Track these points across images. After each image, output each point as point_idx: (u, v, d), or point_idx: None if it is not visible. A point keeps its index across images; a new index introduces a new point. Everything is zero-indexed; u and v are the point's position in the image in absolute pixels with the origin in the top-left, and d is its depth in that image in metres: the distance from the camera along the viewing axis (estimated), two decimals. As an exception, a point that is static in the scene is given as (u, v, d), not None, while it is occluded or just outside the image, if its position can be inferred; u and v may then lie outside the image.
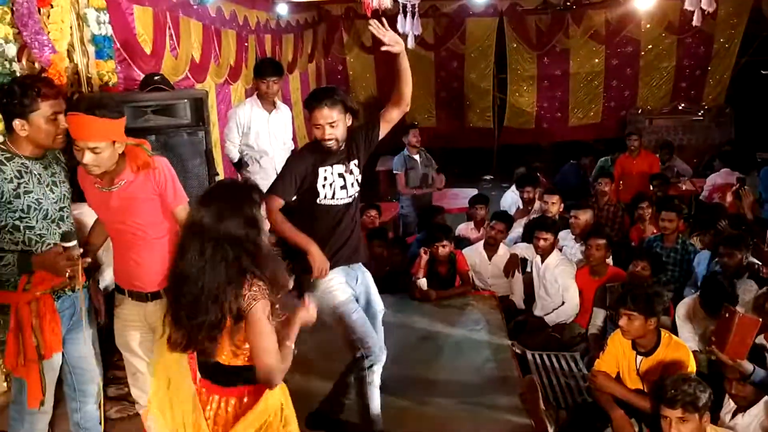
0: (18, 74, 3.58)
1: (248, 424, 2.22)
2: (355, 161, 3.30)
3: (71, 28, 4.08)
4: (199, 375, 2.33)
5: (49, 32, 3.81)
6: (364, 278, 3.48)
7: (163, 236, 2.91)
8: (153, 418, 2.37)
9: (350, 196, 3.30)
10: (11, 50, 3.48)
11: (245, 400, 2.27)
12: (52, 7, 3.86)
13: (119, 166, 2.78)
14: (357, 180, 3.32)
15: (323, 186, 3.22)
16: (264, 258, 2.19)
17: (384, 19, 3.07)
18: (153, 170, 2.81)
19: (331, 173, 3.23)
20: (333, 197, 3.25)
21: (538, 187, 7.40)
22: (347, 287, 3.30)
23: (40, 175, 2.71)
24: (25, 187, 2.64)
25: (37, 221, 2.68)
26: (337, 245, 3.26)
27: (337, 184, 3.25)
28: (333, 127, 3.12)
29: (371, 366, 3.24)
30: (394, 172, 7.26)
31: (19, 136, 2.65)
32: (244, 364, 2.23)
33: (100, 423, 3.14)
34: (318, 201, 3.24)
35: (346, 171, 3.27)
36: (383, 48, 3.05)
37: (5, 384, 3.48)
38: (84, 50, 4.28)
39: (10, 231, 2.62)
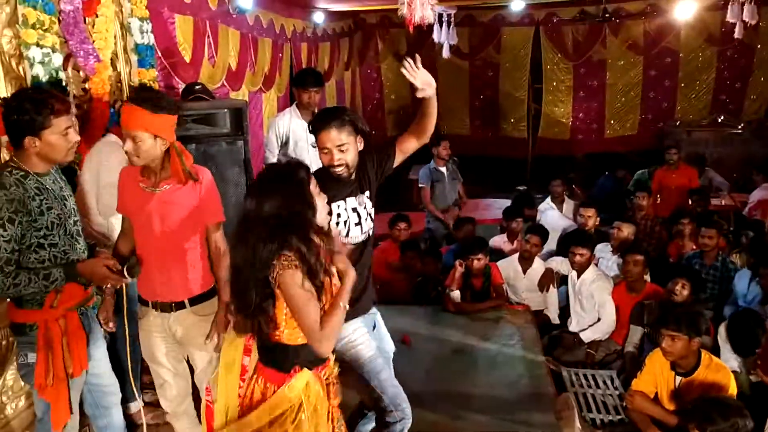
0: (64, 82, 3.65)
1: (261, 413, 2.23)
2: (368, 192, 2.93)
3: (115, 37, 4.16)
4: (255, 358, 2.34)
5: (94, 41, 3.88)
6: (378, 322, 3.17)
7: (193, 248, 2.91)
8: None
9: (365, 233, 2.93)
10: (58, 59, 3.54)
11: (270, 386, 2.29)
12: (97, 16, 3.94)
13: (166, 170, 2.81)
14: (371, 215, 2.95)
15: (336, 224, 2.82)
16: (309, 233, 2.20)
17: (419, 57, 2.82)
18: (198, 182, 2.84)
19: (345, 209, 2.87)
20: (347, 236, 2.88)
21: (571, 199, 7.37)
22: (371, 341, 2.96)
23: (53, 190, 2.64)
24: (46, 203, 2.57)
25: (59, 238, 2.62)
26: (356, 292, 2.63)
27: (352, 221, 2.88)
28: (342, 151, 2.76)
29: (403, 429, 2.90)
30: (420, 185, 7.02)
31: (29, 152, 2.55)
32: (274, 343, 2.26)
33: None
34: None
35: (359, 204, 2.91)
36: (417, 94, 2.81)
37: (24, 402, 3.52)
38: (127, 59, 4.36)
39: (35, 250, 2.55)
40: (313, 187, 2.29)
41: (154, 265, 2.88)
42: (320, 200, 2.31)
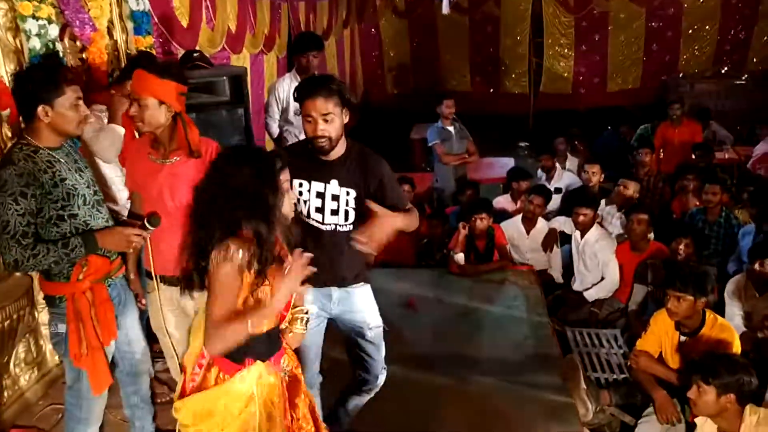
0: (61, 54, 3.61)
1: (199, 399, 2.20)
2: (348, 190, 2.74)
3: (110, 5, 4.08)
4: None
5: (89, 10, 3.82)
6: (348, 299, 2.95)
7: None
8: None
9: (328, 225, 2.77)
10: (54, 30, 3.51)
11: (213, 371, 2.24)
12: (91, -16, 3.86)
13: (175, 141, 2.81)
14: (347, 213, 2.75)
15: (297, 201, 2.65)
16: (273, 218, 2.13)
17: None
18: (206, 155, 2.82)
19: (308, 189, 2.74)
20: (308, 216, 2.77)
21: (573, 156, 7.34)
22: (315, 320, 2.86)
23: (66, 162, 2.64)
24: (59, 175, 2.57)
25: (78, 208, 2.64)
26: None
27: (313, 204, 2.75)
28: (327, 121, 2.61)
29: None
30: (430, 144, 6.97)
31: (40, 125, 2.55)
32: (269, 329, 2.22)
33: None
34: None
35: (328, 192, 2.75)
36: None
37: (36, 373, 3.61)
38: (123, 26, 4.28)
39: (55, 223, 2.57)
40: (284, 179, 2.22)
41: (164, 238, 2.87)
42: (288, 195, 2.23)
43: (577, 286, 5.32)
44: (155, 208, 2.85)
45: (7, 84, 3.27)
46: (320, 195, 2.74)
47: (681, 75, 11.01)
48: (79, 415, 2.83)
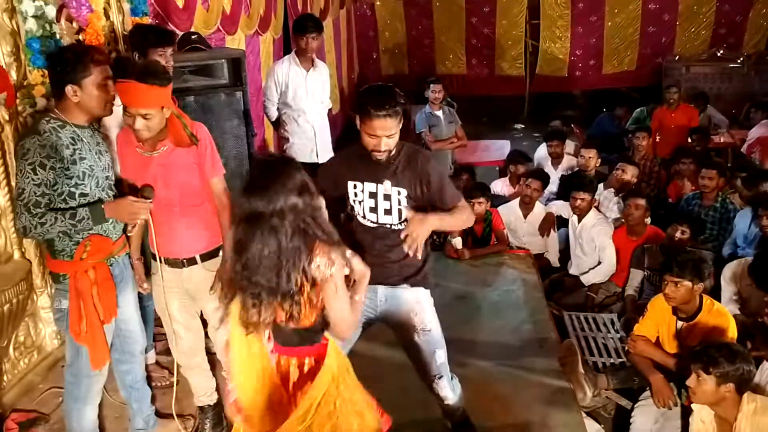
0: (58, 35, 3.57)
1: (317, 389, 2.23)
2: (399, 189, 2.77)
3: (107, -15, 4.03)
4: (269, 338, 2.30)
5: (85, -10, 3.77)
6: (395, 298, 2.93)
7: (199, 204, 2.93)
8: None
9: (377, 223, 2.83)
10: (51, 11, 3.46)
11: (307, 360, 2.28)
12: (87, -36, 3.80)
13: (162, 132, 2.80)
14: (400, 211, 2.79)
15: (352, 202, 2.82)
16: (324, 219, 2.18)
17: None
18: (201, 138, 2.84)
19: (361, 190, 2.81)
20: (364, 217, 2.83)
21: (570, 140, 7.33)
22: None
23: (89, 143, 2.72)
24: (79, 153, 2.65)
25: (90, 189, 2.69)
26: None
27: (367, 205, 2.80)
28: (389, 137, 2.66)
29: None
30: (417, 131, 6.75)
31: (70, 103, 2.64)
32: (310, 325, 2.22)
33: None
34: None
35: (380, 192, 2.80)
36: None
37: (36, 356, 3.61)
38: (120, 7, 4.22)
39: (65, 199, 2.63)
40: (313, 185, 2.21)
41: (163, 224, 2.89)
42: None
43: (573, 271, 5.35)
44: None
45: (4, 66, 3.24)
46: (373, 195, 2.79)
47: (677, 58, 10.97)
48: (77, 393, 2.87)
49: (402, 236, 2.63)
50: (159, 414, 3.36)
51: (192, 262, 2.96)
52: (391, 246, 2.80)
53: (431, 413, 3.23)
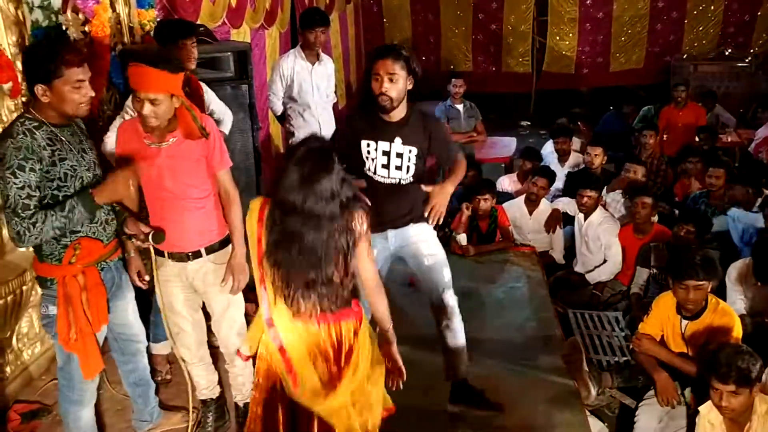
0: (63, 26, 3.56)
1: (361, 348, 2.41)
2: (410, 148, 3.09)
3: (113, -24, 4.02)
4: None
5: (92, -18, 3.75)
6: (402, 233, 3.26)
7: (205, 197, 2.91)
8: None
9: (393, 178, 3.13)
10: (57, 2, 3.48)
11: (344, 325, 2.43)
12: (94, -45, 3.79)
13: (171, 123, 2.77)
14: (408, 168, 3.12)
15: (365, 159, 3.12)
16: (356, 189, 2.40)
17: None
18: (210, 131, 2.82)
19: (375, 148, 3.09)
20: (375, 173, 3.13)
21: (577, 137, 7.29)
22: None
23: (69, 142, 2.61)
24: (59, 154, 2.54)
25: (74, 189, 2.59)
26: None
27: (379, 162, 3.10)
28: (392, 81, 2.94)
29: None
30: None
31: (42, 102, 2.51)
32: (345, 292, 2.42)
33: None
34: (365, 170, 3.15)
35: (393, 151, 3.09)
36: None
37: (39, 347, 3.63)
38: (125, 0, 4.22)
39: (48, 203, 2.52)
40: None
41: (168, 217, 2.87)
42: None
43: (579, 268, 5.33)
44: (158, 191, 2.85)
45: (10, 57, 3.23)
46: (386, 153, 3.09)
47: (684, 56, 10.91)
48: (71, 396, 2.83)
49: (426, 213, 3.02)
50: (162, 406, 3.36)
51: (197, 255, 2.94)
52: (399, 198, 3.17)
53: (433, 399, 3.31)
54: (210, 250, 2.96)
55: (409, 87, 3.04)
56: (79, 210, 2.54)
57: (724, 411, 3.06)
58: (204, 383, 3.27)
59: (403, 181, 3.14)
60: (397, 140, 3.07)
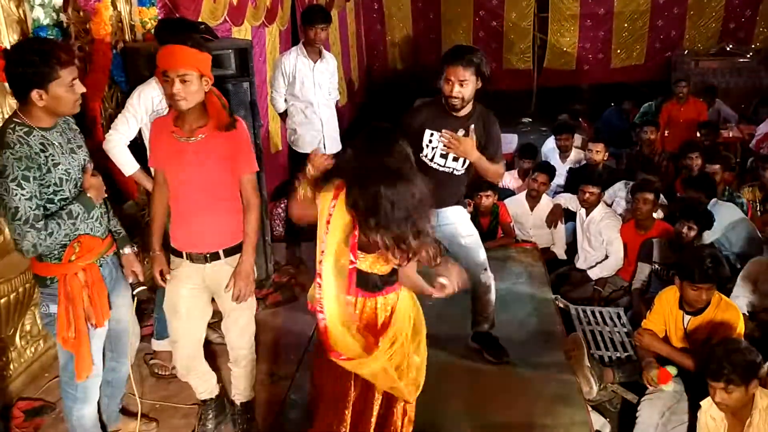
0: (65, 24, 3.57)
1: (400, 323, 2.54)
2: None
3: (114, -26, 4.02)
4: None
5: (93, -20, 3.76)
6: (441, 215, 3.45)
7: (228, 199, 2.87)
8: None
9: (447, 168, 3.44)
10: (58, 0, 3.45)
11: (383, 299, 2.56)
12: (95, -46, 3.79)
13: (201, 119, 2.75)
14: (464, 159, 3.40)
15: (425, 146, 3.41)
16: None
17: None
18: (234, 131, 2.79)
19: (437, 138, 3.36)
20: (432, 160, 3.42)
21: (578, 133, 7.29)
22: None
23: (60, 144, 2.55)
24: (52, 159, 2.49)
25: (69, 191, 2.56)
26: None
27: (438, 151, 3.40)
28: (462, 86, 3.23)
29: None
30: None
31: (34, 106, 2.44)
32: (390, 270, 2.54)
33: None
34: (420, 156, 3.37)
35: None
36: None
37: (43, 345, 3.62)
38: (127, -3, 4.23)
39: (44, 206, 2.48)
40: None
41: (190, 215, 2.85)
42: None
43: (580, 264, 5.33)
44: (182, 187, 2.85)
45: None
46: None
47: (686, 52, 10.89)
48: (75, 394, 2.81)
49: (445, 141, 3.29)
50: (124, 411, 3.31)
51: (215, 257, 2.90)
52: (449, 186, 3.47)
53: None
54: (228, 252, 2.92)
55: (478, 87, 3.32)
56: (84, 215, 2.56)
57: (720, 407, 3.08)
58: (201, 389, 3.22)
59: (456, 172, 3.47)
60: (460, 133, 3.34)
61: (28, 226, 2.39)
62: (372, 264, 2.49)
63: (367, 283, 2.53)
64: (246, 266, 2.90)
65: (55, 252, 2.57)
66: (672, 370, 3.62)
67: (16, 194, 2.37)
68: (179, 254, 2.94)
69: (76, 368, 2.66)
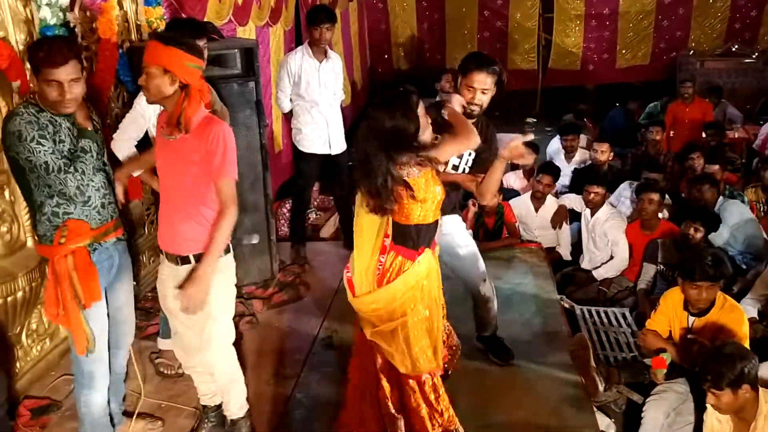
0: (71, 24, 3.57)
1: (400, 284, 2.72)
2: (474, 154, 3.33)
3: (121, -26, 4.03)
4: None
5: (99, -20, 3.76)
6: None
7: (202, 204, 2.76)
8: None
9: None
10: (64, 0, 3.46)
11: (400, 258, 2.74)
12: (102, -46, 3.80)
13: (180, 117, 2.67)
14: (465, 168, 3.38)
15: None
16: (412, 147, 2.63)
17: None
18: (208, 134, 2.69)
19: None
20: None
21: (583, 133, 7.28)
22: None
23: (69, 127, 2.65)
24: (59, 136, 2.61)
25: (77, 171, 2.62)
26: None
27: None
28: (484, 93, 3.23)
29: None
30: None
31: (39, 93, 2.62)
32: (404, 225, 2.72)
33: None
34: None
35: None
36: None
37: (49, 344, 3.65)
38: (133, -3, 4.24)
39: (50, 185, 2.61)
40: (421, 109, 2.65)
41: (165, 215, 2.85)
42: (425, 120, 2.68)
43: (585, 265, 5.33)
44: (162, 182, 2.89)
45: (18, 54, 3.24)
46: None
47: (691, 52, 10.87)
48: (82, 380, 2.86)
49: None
50: (126, 413, 3.30)
51: (186, 261, 2.81)
52: (449, 193, 3.23)
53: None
54: (199, 258, 2.77)
55: (493, 94, 3.31)
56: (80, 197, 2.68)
57: (715, 409, 3.09)
58: (203, 389, 3.18)
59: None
60: None
61: (63, 174, 2.57)
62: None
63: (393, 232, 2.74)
64: (200, 272, 2.71)
65: (49, 234, 2.70)
66: (666, 356, 3.62)
67: (40, 150, 2.53)
68: (161, 251, 2.92)
69: (75, 343, 2.76)
